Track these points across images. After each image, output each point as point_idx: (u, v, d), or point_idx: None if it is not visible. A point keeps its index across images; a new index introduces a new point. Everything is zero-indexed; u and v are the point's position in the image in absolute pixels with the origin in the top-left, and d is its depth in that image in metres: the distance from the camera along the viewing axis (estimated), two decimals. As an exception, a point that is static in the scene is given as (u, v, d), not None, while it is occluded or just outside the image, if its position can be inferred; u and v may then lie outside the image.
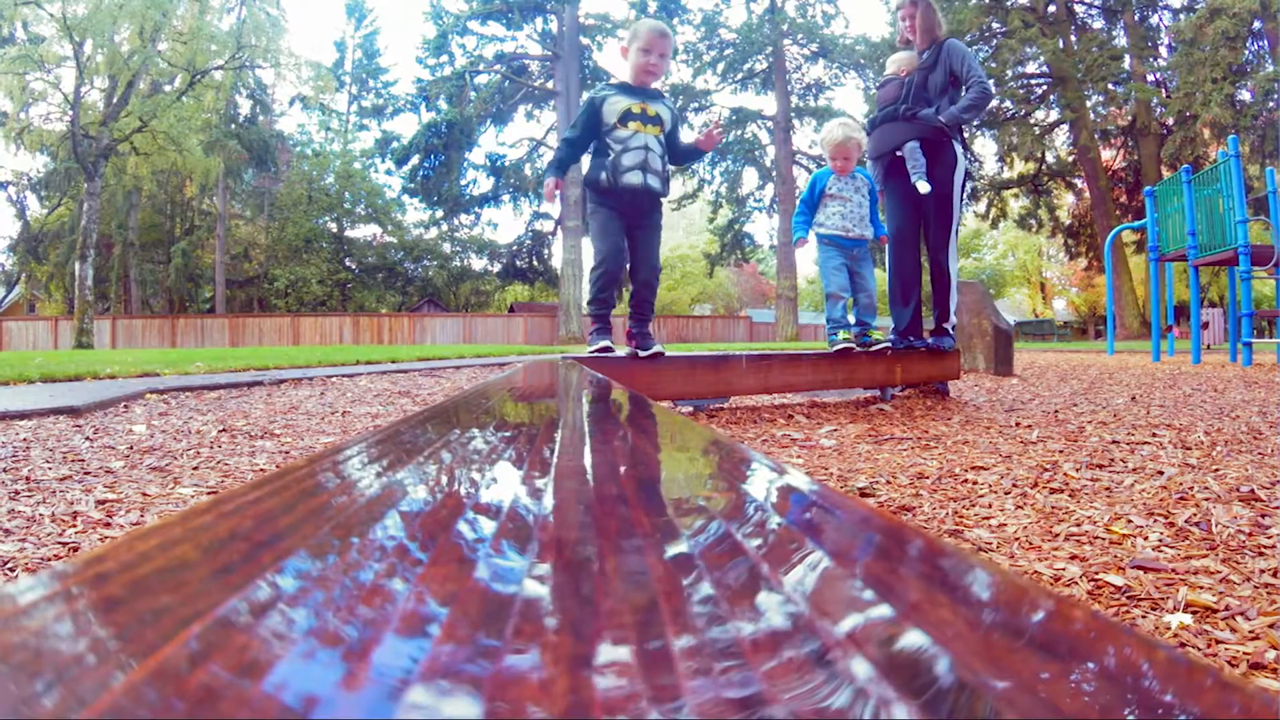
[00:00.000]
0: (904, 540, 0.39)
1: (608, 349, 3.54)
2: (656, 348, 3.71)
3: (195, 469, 2.26)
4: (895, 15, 4.51)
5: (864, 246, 4.20)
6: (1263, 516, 1.56)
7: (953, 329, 4.55)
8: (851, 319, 4.26)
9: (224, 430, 3.03)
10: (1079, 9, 28.50)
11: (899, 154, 4.36)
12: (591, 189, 3.70)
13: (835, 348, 4.01)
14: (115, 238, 31.67)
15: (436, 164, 30.83)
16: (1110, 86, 26.55)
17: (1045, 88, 28.41)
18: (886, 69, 4.60)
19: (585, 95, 4.00)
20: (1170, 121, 25.60)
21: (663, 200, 3.90)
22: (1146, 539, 1.44)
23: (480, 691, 0.21)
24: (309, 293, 33.77)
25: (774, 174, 30.97)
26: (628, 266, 3.84)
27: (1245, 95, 24.05)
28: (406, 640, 0.25)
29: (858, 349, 4.04)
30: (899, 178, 4.42)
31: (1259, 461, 2.19)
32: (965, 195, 4.51)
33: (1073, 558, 1.36)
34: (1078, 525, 1.55)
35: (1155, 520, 1.56)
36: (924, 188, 4.24)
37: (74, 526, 1.59)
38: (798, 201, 4.37)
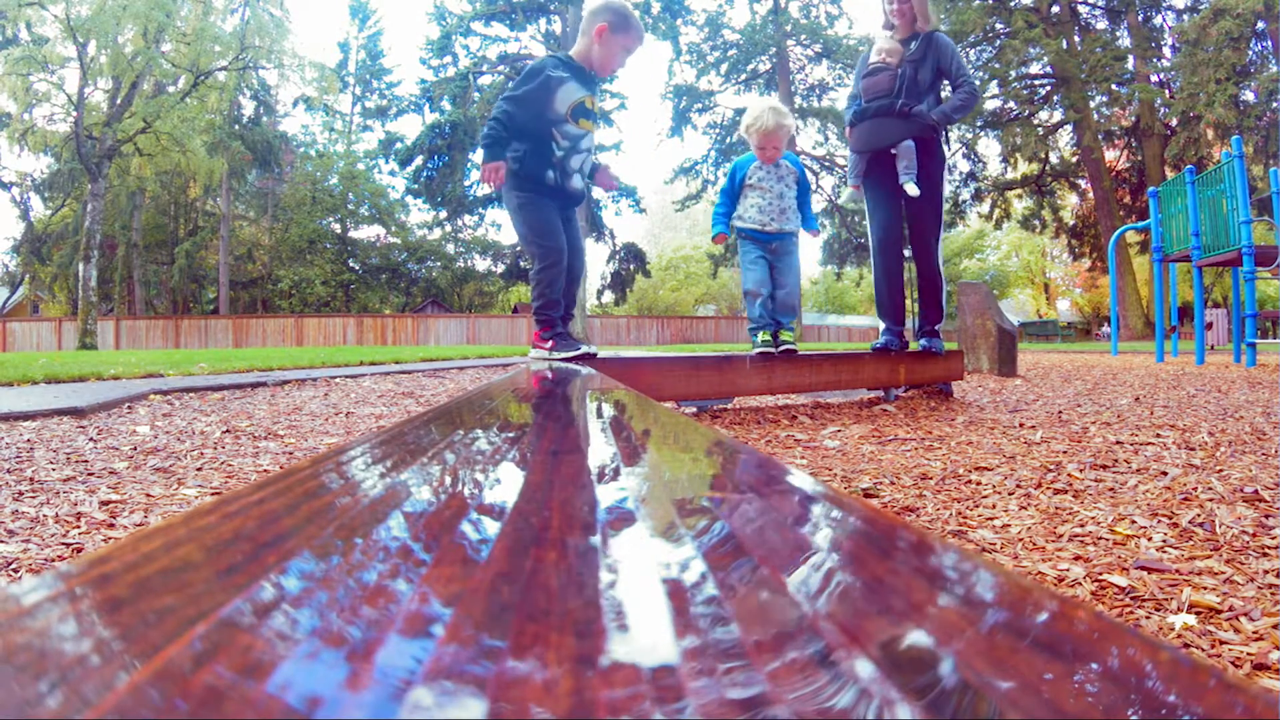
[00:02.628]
0: (907, 541, 0.39)
1: (590, 354, 3.35)
2: (592, 347, 3.53)
3: (199, 470, 2.26)
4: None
5: (786, 240, 3.80)
6: (1266, 517, 1.56)
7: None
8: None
9: (228, 431, 3.04)
10: (1082, 10, 28.49)
11: (893, 151, 4.19)
12: (528, 182, 3.35)
13: (755, 350, 3.71)
14: (119, 239, 31.76)
15: (440, 165, 30.89)
16: (1114, 87, 26.54)
17: (1049, 88, 28.40)
18: (872, 56, 4.36)
19: (533, 63, 3.41)
20: (1174, 122, 25.58)
21: None
22: (1150, 540, 1.44)
23: (484, 692, 0.21)
24: (313, 294, 33.84)
25: (777, 175, 30.95)
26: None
27: (1249, 96, 24.03)
28: (410, 641, 0.25)
29: (775, 352, 3.73)
30: (884, 174, 4.26)
31: (1263, 462, 2.19)
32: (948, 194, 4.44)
33: (1076, 558, 1.36)
34: (1081, 526, 1.55)
35: (1159, 521, 1.56)
36: (913, 190, 4.09)
37: (78, 527, 1.59)
38: (717, 192, 4.04)
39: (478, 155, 30.73)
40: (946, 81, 4.24)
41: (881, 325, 4.42)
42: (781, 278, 3.80)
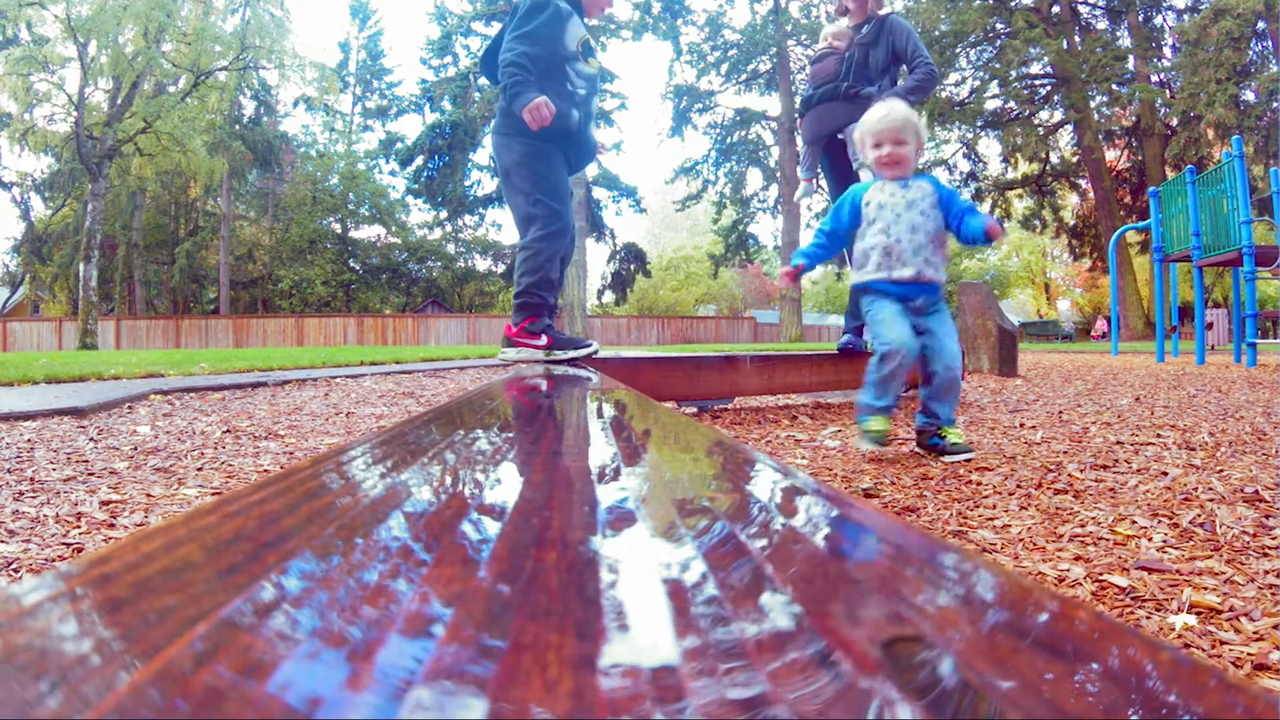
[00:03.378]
0: (908, 541, 0.39)
1: (594, 353, 2.97)
2: (594, 344, 3.10)
3: (199, 470, 2.26)
4: None
5: (931, 293, 2.49)
6: (1267, 518, 1.56)
7: None
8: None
9: (228, 431, 3.04)
10: (1083, 10, 28.49)
11: (840, 137, 3.94)
12: (545, 127, 2.80)
13: (866, 448, 2.44)
14: (119, 239, 31.77)
15: (440, 165, 30.93)
16: (1114, 87, 26.54)
17: (1049, 88, 28.39)
18: (820, 41, 4.15)
19: None
20: (1174, 122, 25.57)
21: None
22: (1151, 540, 1.44)
23: (485, 692, 0.21)
24: (313, 294, 33.86)
25: (778, 175, 30.99)
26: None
27: (1249, 96, 24.03)
28: (411, 641, 0.25)
29: (881, 447, 2.44)
30: (838, 163, 4.02)
31: (1263, 462, 2.18)
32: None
33: (1077, 559, 1.35)
34: (1082, 526, 1.55)
35: (1159, 521, 1.56)
36: (868, 177, 3.72)
37: (78, 527, 1.59)
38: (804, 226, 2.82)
39: (478, 156, 30.80)
40: (905, 66, 3.97)
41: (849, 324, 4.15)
42: (938, 345, 2.48)
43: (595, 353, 2.99)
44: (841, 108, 3.90)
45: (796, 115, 4.18)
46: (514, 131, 2.89)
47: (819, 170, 4.19)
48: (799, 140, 3.99)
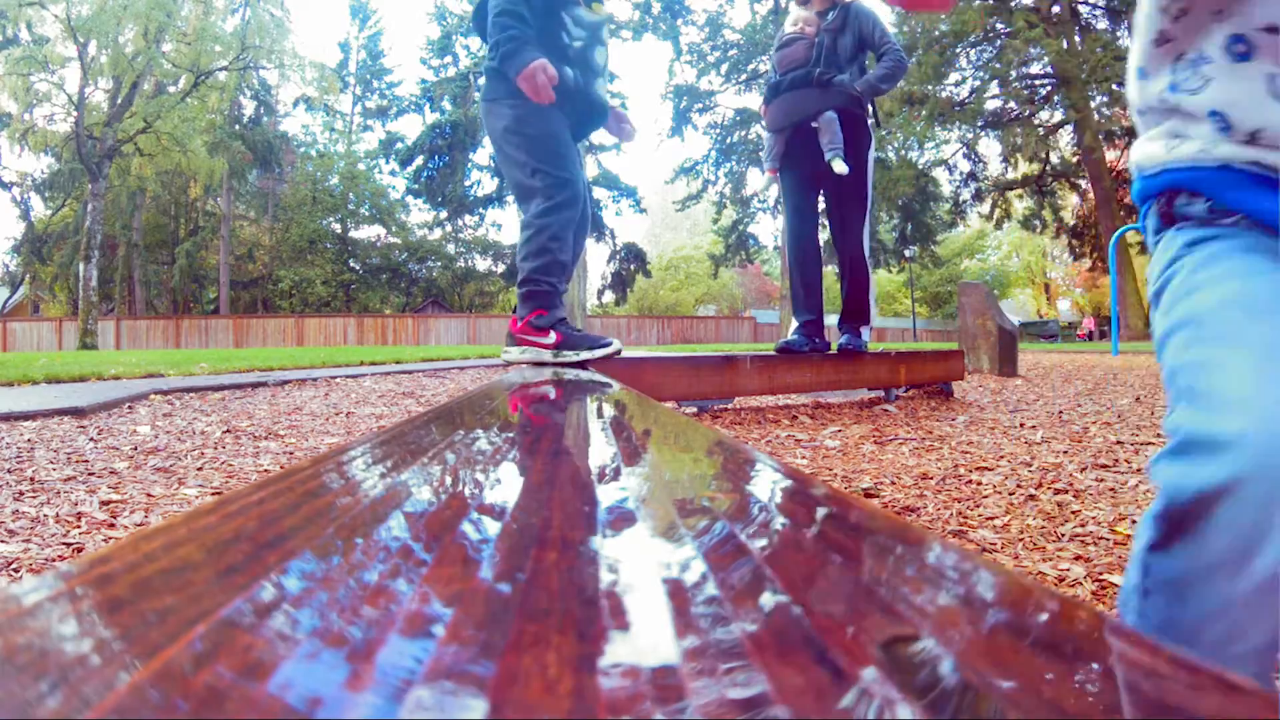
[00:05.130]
0: (907, 541, 0.39)
1: (616, 351, 2.63)
2: (616, 342, 2.68)
3: (199, 470, 2.26)
4: None
5: None
6: (1268, 518, 1.56)
7: (869, 332, 4.06)
8: None
9: (228, 431, 3.04)
10: (1083, 10, 28.47)
11: (814, 125, 3.75)
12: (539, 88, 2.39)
13: None
14: (119, 239, 31.76)
15: (440, 165, 30.95)
16: (1114, 87, 26.51)
17: (1049, 88, 28.38)
18: (786, 26, 3.94)
19: None
20: (1175, 122, 25.54)
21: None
22: (1151, 540, 1.44)
23: (484, 692, 0.21)
24: (313, 294, 33.86)
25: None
26: None
27: (1250, 96, 24.01)
28: (411, 641, 0.25)
29: None
30: (802, 154, 3.85)
31: (1264, 462, 2.18)
32: (872, 177, 3.90)
33: (1077, 558, 1.35)
34: (1082, 526, 1.55)
35: (1160, 521, 1.56)
36: (841, 168, 3.64)
37: (78, 527, 1.59)
38: None
39: (479, 156, 30.76)
40: (871, 54, 3.83)
41: (795, 323, 4.05)
42: None
43: (618, 352, 2.61)
44: (812, 95, 3.75)
45: (762, 104, 4.00)
46: (502, 95, 2.56)
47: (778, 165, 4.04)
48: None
